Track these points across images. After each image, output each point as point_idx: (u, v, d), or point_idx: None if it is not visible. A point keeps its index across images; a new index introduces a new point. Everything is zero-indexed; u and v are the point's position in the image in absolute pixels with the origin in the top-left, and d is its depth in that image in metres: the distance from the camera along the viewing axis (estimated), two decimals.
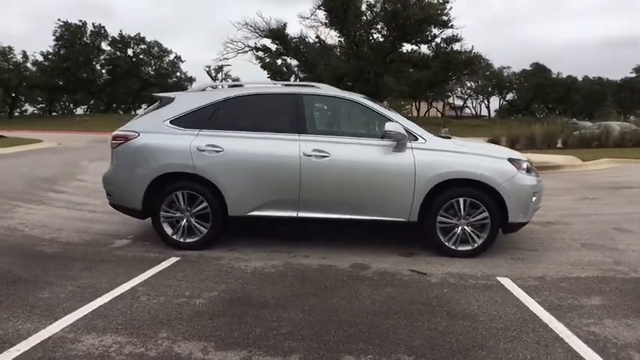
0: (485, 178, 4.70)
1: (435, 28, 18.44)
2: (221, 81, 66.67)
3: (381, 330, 3.19)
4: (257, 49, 22.02)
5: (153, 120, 5.09)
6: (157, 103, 5.46)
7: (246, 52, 21.96)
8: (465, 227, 4.79)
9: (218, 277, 4.18)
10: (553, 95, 61.68)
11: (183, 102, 5.13)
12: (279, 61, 21.23)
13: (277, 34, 21.33)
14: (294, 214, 4.88)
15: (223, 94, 5.12)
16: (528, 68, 62.06)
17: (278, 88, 5.39)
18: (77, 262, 4.56)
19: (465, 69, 18.92)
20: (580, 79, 64.57)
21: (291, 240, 5.36)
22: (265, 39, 21.82)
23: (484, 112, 73.62)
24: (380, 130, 4.91)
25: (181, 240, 4.97)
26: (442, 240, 4.82)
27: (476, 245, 4.81)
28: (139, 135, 4.98)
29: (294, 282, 4.10)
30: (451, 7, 17.99)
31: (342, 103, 5.26)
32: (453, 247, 4.82)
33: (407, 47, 19.92)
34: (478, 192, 4.73)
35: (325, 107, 5.33)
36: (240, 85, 5.56)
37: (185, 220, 4.94)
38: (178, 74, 62.89)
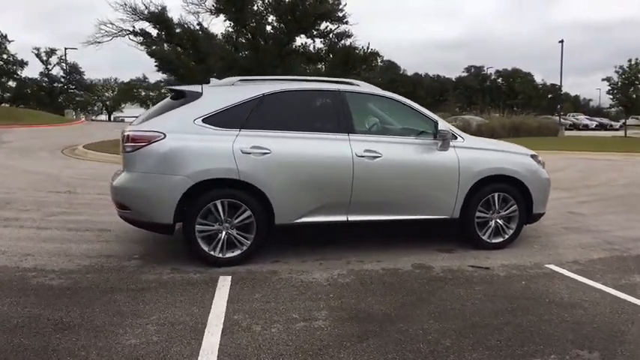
0: (517, 174, 5.10)
1: (330, 22, 18.97)
2: (54, 66, 58.78)
3: (527, 328, 3.29)
4: (135, 33, 19.97)
5: (180, 118, 4.38)
6: (168, 98, 4.73)
7: (124, 35, 19.76)
8: (498, 220, 5.14)
9: (304, 294, 3.83)
10: (402, 90, 67.81)
11: (215, 97, 4.52)
12: (168, 48, 19.56)
13: (159, 18, 19.63)
14: (343, 218, 4.69)
15: (260, 90, 4.63)
16: (381, 64, 67.30)
17: (318, 84, 5.06)
18: (114, 294, 3.74)
19: (363, 65, 19.91)
20: (423, 76, 72.30)
21: (322, 245, 5.11)
22: (145, 22, 19.95)
23: None
24: (419, 128, 4.98)
25: (220, 255, 4.40)
26: (479, 234, 5.10)
27: (506, 237, 5.20)
28: (165, 136, 4.24)
29: (385, 290, 3.97)
30: (345, 4, 18.70)
31: (383, 101, 5.16)
32: (488, 240, 5.13)
33: (301, 40, 20.11)
34: (509, 187, 5.11)
35: (368, 105, 5.18)
36: (276, 80, 5.08)
37: (224, 233, 4.38)
38: (5, 56, 53.56)
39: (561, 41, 37.80)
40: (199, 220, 4.31)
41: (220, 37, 21.99)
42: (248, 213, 4.39)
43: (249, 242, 4.44)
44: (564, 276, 4.41)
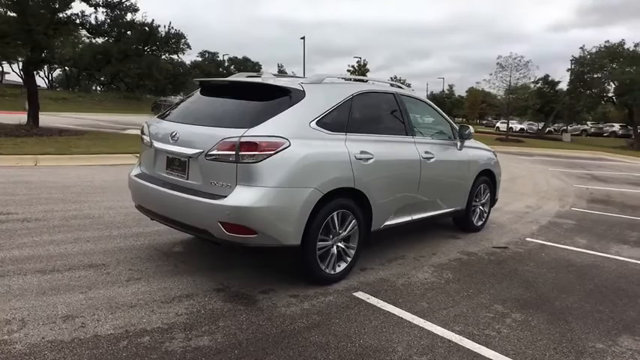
0: (492, 167, 6.32)
1: None
2: None
3: (613, 287, 4.46)
4: None
5: (297, 121, 3.79)
6: (240, 98, 4.06)
7: None
8: (480, 207, 6.27)
9: (456, 294, 4.05)
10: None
11: (318, 97, 4.06)
12: None
13: None
14: (409, 218, 4.94)
15: (348, 90, 4.38)
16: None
17: (381, 86, 4.98)
18: (306, 336, 3.14)
19: (165, 47, 17.93)
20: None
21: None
22: None
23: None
24: (444, 129, 5.61)
25: (331, 272, 4.10)
26: (473, 220, 6.12)
27: (484, 220, 6.40)
28: (290, 143, 3.65)
29: (487, 278, 4.52)
30: None
31: (418, 104, 5.40)
32: (476, 224, 6.22)
33: (80, 8, 16.72)
34: (487, 178, 6.28)
35: (412, 108, 5.27)
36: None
37: (335, 247, 4.10)
38: None
39: (303, 38, 42.61)
40: (320, 236, 3.91)
41: None
42: (354, 222, 4.20)
43: (352, 253, 4.26)
44: (551, 246, 5.84)
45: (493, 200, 6.59)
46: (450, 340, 3.21)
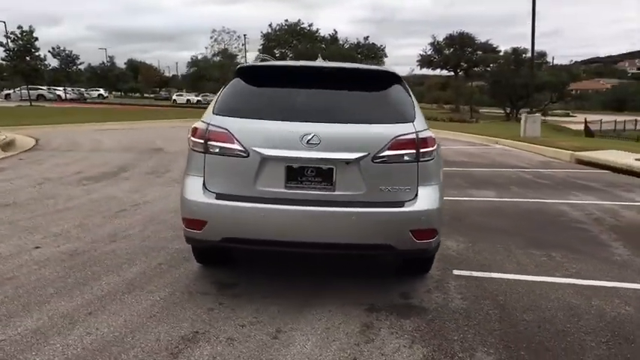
0: None
1: None
2: None
3: (560, 222, 5.99)
4: None
5: (415, 110, 3.53)
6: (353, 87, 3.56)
7: None
8: None
9: (500, 249, 4.66)
10: None
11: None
12: None
13: None
14: None
15: None
16: None
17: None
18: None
19: None
20: None
21: None
22: None
23: None
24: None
25: None
26: None
27: None
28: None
29: (487, 236, 5.31)
30: None
31: None
32: None
33: None
34: None
35: None
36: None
37: None
38: None
39: None
40: None
41: None
42: None
43: None
44: (451, 200, 7.07)
45: None
46: (587, 286, 3.83)
